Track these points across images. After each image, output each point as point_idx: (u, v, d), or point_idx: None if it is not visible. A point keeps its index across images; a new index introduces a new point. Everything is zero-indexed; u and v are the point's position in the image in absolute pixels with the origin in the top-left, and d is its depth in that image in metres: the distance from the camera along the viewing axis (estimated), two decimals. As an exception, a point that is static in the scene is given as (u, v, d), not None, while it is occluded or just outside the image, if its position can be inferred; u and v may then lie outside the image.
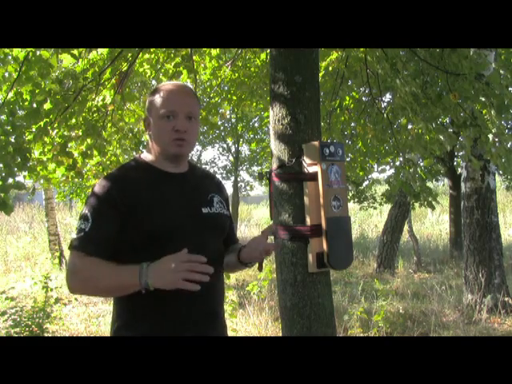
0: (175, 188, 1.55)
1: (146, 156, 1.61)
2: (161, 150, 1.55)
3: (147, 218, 1.45)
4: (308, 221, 2.30)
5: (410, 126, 3.99)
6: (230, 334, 4.21)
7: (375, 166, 4.99)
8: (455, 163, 9.99)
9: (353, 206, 13.14)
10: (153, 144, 1.57)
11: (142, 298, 1.40)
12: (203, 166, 14.13)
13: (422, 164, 5.23)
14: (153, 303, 1.43)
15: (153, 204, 1.48)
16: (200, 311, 1.49)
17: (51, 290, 4.89)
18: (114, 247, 1.48)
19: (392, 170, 4.33)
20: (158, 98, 1.54)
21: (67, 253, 9.76)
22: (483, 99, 3.40)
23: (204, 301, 1.49)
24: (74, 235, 1.48)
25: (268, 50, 4.18)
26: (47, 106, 3.64)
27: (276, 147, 2.41)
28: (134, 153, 4.88)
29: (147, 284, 1.34)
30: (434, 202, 3.80)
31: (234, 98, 5.86)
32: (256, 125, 12.31)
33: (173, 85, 1.60)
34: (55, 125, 3.84)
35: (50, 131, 3.86)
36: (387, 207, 10.89)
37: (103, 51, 4.15)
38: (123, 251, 1.48)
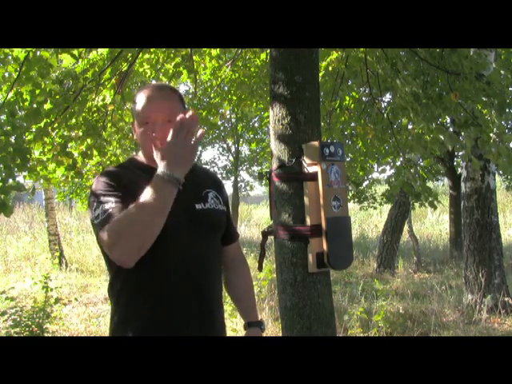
0: None
1: (140, 156, 1.61)
2: (146, 154, 1.55)
3: None
4: (308, 221, 2.30)
5: (410, 126, 4.00)
6: (230, 334, 4.21)
7: (375, 166, 4.99)
8: (455, 163, 9.99)
9: (353, 206, 13.14)
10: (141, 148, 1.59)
11: (138, 295, 1.40)
12: (203, 166, 14.11)
13: (422, 164, 5.23)
14: (149, 300, 1.43)
15: None
16: (195, 309, 1.48)
17: (51, 289, 4.89)
18: None
19: (392, 170, 4.34)
20: (137, 104, 1.53)
21: (67, 253, 9.76)
22: (484, 99, 3.40)
23: (200, 299, 1.49)
24: (98, 219, 1.39)
25: (268, 50, 4.18)
26: (47, 106, 3.64)
27: (276, 147, 2.41)
28: (134, 153, 4.89)
29: (178, 180, 1.31)
30: (435, 202, 3.81)
31: (234, 98, 5.87)
32: (256, 125, 12.31)
33: (151, 89, 1.56)
34: (55, 125, 3.84)
35: (50, 131, 3.86)
36: (387, 207, 10.90)
37: (103, 51, 4.15)
38: None
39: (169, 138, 1.32)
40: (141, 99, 1.53)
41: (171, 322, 1.46)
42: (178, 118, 1.32)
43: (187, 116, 1.31)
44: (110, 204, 1.38)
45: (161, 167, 1.32)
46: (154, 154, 1.40)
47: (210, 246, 1.56)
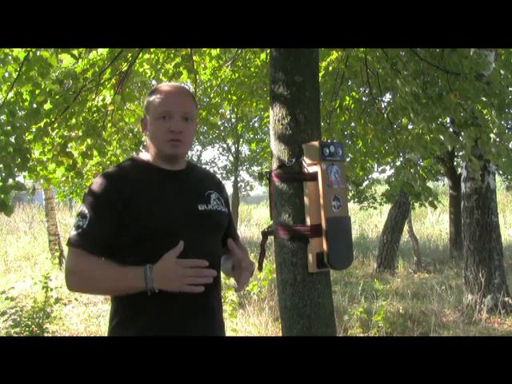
0: (172, 185, 1.56)
1: (145, 155, 1.63)
2: (157, 150, 1.57)
3: (142, 215, 1.47)
4: (308, 221, 2.30)
5: (410, 126, 3.99)
6: (230, 334, 4.21)
7: (375, 166, 4.99)
8: (455, 163, 9.99)
9: (353, 206, 13.14)
10: (150, 144, 1.60)
11: (141, 294, 1.40)
12: (203, 166, 14.12)
13: (422, 164, 5.23)
14: (152, 299, 1.43)
15: (148, 202, 1.49)
16: (199, 306, 1.50)
17: (51, 289, 4.88)
18: (112, 244, 1.49)
19: (392, 170, 4.33)
20: (155, 99, 1.56)
21: (67, 252, 9.71)
22: (484, 99, 3.40)
23: (202, 296, 1.49)
24: (72, 232, 1.50)
25: (268, 50, 4.18)
26: (47, 106, 3.64)
27: (276, 147, 2.41)
28: (134, 153, 4.89)
29: (153, 287, 1.38)
30: (435, 202, 3.81)
31: (234, 98, 5.87)
32: (256, 125, 12.30)
33: (170, 86, 1.62)
34: (55, 125, 3.84)
35: (50, 131, 3.86)
36: (387, 207, 10.90)
37: (103, 51, 4.15)
38: (121, 248, 1.49)
39: (180, 272, 1.38)
40: (158, 94, 1.56)
41: (174, 319, 1.47)
42: (194, 264, 1.40)
43: (210, 273, 1.41)
44: (85, 222, 1.48)
45: (153, 282, 1.39)
46: None
47: (212, 247, 1.57)
